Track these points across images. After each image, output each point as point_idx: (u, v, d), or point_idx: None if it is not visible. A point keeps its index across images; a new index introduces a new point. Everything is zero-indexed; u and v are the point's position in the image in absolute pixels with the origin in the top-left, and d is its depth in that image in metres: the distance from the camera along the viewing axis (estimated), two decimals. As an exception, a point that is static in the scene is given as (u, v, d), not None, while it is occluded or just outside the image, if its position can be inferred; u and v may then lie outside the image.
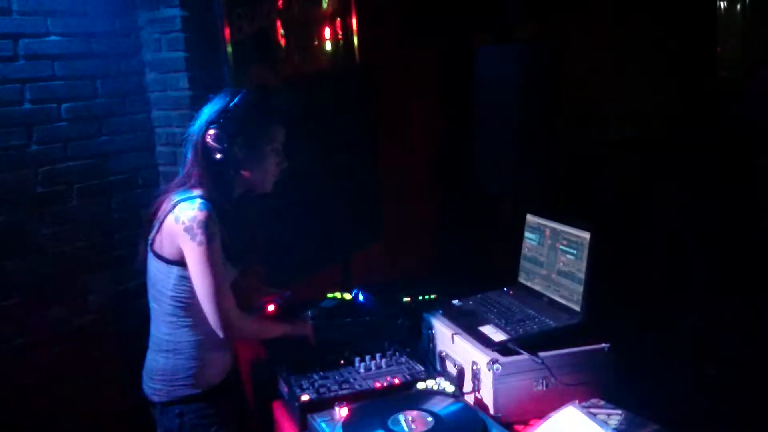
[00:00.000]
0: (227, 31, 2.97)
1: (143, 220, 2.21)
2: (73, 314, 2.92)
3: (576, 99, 3.81)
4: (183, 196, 2.06)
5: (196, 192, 2.07)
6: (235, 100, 2.09)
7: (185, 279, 2.08)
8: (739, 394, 2.02)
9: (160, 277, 2.11)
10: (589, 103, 4.04)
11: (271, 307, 2.59)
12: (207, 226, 2.00)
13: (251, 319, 2.25)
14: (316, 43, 3.51)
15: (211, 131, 2.07)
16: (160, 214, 2.09)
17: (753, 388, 2.18)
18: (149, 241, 2.12)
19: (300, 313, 2.38)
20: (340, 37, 3.62)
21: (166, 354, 2.15)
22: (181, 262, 2.06)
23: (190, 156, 2.11)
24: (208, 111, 2.10)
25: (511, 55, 3.14)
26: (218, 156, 2.07)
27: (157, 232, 2.09)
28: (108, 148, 3.05)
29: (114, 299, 3.02)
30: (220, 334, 2.08)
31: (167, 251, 2.07)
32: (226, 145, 2.07)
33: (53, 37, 2.82)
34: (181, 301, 2.10)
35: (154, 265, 2.13)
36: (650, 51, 4.08)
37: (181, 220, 2.01)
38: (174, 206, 2.04)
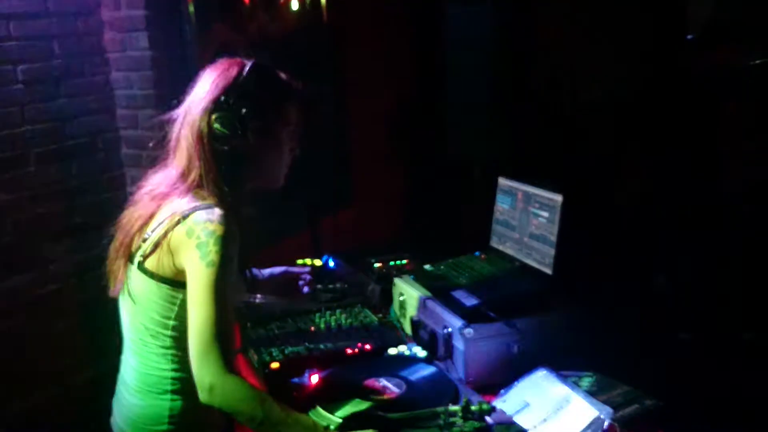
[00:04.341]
0: (189, -12, 2.88)
1: (120, 227, 1.77)
2: (35, 283, 2.85)
3: (544, 61, 3.78)
4: (195, 203, 1.66)
5: (210, 198, 1.68)
6: (245, 72, 1.70)
7: None
8: (711, 357, 2.04)
9: (159, 305, 1.71)
10: (557, 66, 4.01)
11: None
12: (225, 245, 1.61)
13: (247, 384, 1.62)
14: (282, 0, 3.42)
15: (219, 114, 1.67)
16: (157, 225, 1.69)
17: (723, 351, 2.20)
18: (139, 259, 1.71)
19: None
20: (307, -7, 3.53)
21: (173, 396, 1.74)
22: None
23: (185, 146, 1.69)
24: (206, 87, 1.70)
25: (482, 15, 3.09)
26: (229, 145, 1.68)
27: (156, 248, 1.68)
28: (66, 112, 2.96)
29: (76, 268, 2.96)
30: (206, 382, 1.55)
31: (168, 271, 1.68)
32: (239, 132, 1.67)
33: (6, -5, 2.71)
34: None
35: (146, 290, 1.71)
36: (618, 12, 4.05)
37: (196, 234, 1.61)
38: (186, 215, 1.64)
